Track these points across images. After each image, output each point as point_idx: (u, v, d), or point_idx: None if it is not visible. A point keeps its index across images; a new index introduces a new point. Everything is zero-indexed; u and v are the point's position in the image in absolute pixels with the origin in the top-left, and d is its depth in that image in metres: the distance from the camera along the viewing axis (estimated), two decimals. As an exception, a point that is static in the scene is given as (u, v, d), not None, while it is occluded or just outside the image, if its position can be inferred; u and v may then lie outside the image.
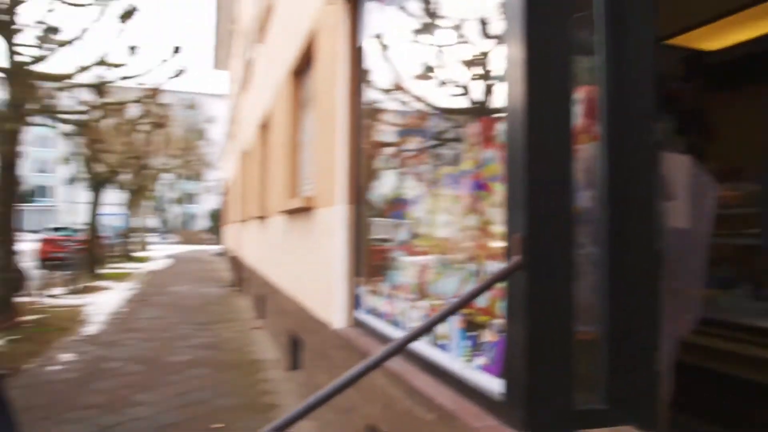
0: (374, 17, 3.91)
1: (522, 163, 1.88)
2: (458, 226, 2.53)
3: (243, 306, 12.15)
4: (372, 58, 3.96)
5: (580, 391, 1.92)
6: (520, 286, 1.88)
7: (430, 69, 3.02)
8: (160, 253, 32.54)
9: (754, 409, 2.77)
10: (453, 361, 2.45)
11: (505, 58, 2.02)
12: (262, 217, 9.57)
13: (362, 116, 4.07)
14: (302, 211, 5.55)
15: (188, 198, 64.04)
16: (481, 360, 2.22)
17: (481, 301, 2.22)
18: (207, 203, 63.93)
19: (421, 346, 2.78)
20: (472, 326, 2.33)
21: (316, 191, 5.14)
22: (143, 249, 35.19)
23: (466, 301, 1.91)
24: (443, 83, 2.88)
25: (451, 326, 2.49)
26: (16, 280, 9.90)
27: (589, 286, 1.98)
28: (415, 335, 1.93)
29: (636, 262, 1.95)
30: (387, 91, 3.72)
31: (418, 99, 3.18)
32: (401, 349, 1.91)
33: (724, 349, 2.98)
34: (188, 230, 59.41)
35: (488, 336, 2.18)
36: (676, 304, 2.27)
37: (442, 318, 1.92)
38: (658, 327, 1.96)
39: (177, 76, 12.22)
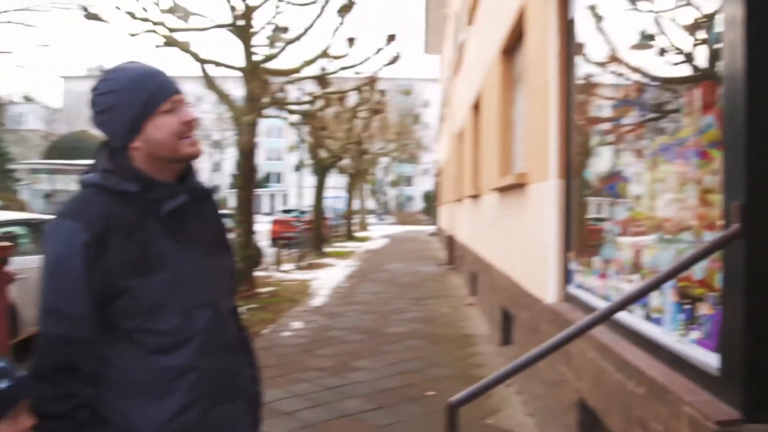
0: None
1: (741, 127, 1.79)
2: (675, 196, 2.44)
3: (456, 283, 12.50)
4: (584, 31, 3.89)
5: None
6: (738, 255, 1.80)
7: (647, 37, 2.91)
8: (378, 234, 34.38)
9: None
10: (666, 334, 2.39)
11: (723, 18, 1.93)
12: (474, 196, 9.76)
13: (574, 90, 4.02)
14: (514, 187, 5.60)
15: (404, 180, 66.71)
16: (695, 334, 2.15)
17: (698, 273, 2.14)
18: (422, 185, 66.08)
19: (634, 320, 2.74)
20: (687, 299, 2.26)
21: (527, 167, 5.17)
22: (363, 229, 37.45)
23: (679, 271, 1.87)
24: (662, 51, 2.77)
25: (666, 299, 2.42)
26: (255, 257, 11.18)
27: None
28: (623, 304, 1.93)
29: None
30: (601, 63, 3.63)
31: (635, 69, 3.08)
32: (607, 318, 1.93)
33: None
34: (404, 211, 61.91)
35: (704, 309, 2.10)
36: None
37: (652, 287, 1.91)
38: None
39: (392, 63, 12.80)
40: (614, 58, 3.38)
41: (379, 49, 12.21)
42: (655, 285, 1.90)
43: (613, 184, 3.21)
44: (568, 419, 3.50)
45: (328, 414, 4.70)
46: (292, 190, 71.64)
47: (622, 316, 2.84)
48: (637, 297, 1.93)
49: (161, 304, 1.51)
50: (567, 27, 4.14)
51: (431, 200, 40.97)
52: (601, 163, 3.54)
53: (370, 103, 19.35)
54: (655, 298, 2.52)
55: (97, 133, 1.58)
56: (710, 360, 2.00)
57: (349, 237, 28.42)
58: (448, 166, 19.10)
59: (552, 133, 4.16)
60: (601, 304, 3.22)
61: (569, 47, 4.11)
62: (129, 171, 1.54)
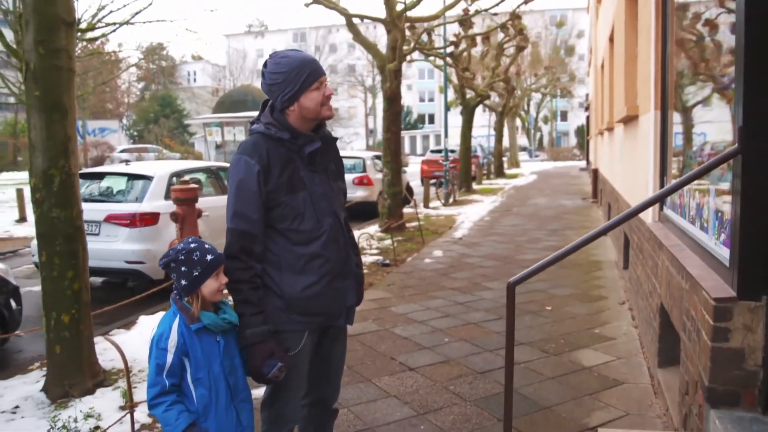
0: None
1: (742, 54, 2.22)
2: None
3: (596, 216, 12.66)
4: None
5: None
6: (738, 170, 2.26)
7: None
8: (528, 170, 34.24)
9: None
10: (709, 239, 2.84)
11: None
12: (609, 129, 9.88)
13: (674, 27, 4.28)
14: (631, 119, 5.90)
15: (558, 115, 64.71)
16: (723, 236, 2.60)
17: (726, 185, 2.59)
18: (576, 120, 63.77)
19: (694, 230, 3.18)
20: (720, 210, 2.70)
21: (639, 100, 5.45)
22: (514, 166, 37.36)
23: (690, 180, 2.36)
24: None
25: (710, 209, 2.86)
26: (402, 194, 12.02)
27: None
28: (658, 198, 2.45)
29: None
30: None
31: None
32: (648, 206, 2.46)
33: None
34: (557, 147, 60.39)
35: (728, 215, 2.55)
36: None
37: (676, 188, 2.40)
38: None
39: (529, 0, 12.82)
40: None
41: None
42: (679, 186, 2.38)
43: (693, 116, 3.57)
44: (654, 323, 3.98)
45: (455, 322, 5.48)
46: (443, 130, 72.06)
47: (687, 227, 3.29)
48: (667, 194, 2.43)
49: (302, 213, 2.36)
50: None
51: (584, 135, 39.85)
52: (694, 96, 3.85)
53: (516, 40, 19.31)
54: (705, 210, 2.96)
55: (260, 90, 2.49)
56: (726, 255, 2.48)
57: (499, 174, 28.66)
58: (596, 99, 18.73)
59: (652, 68, 4.47)
60: (684, 223, 3.64)
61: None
62: (285, 125, 2.37)
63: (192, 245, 2.23)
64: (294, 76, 2.30)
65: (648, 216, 4.60)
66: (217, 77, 62.02)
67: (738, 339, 2.29)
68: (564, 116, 68.52)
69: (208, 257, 2.21)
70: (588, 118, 27.43)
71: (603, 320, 5.37)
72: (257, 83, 31.16)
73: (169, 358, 2.16)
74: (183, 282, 2.19)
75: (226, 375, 2.25)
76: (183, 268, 2.19)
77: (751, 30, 2.20)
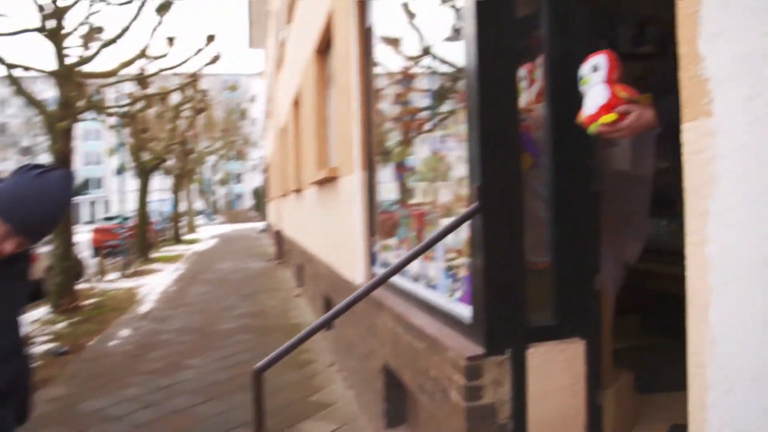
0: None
1: (475, 121, 2.28)
2: (446, 182, 2.93)
3: (285, 276, 12.79)
4: (387, 32, 4.32)
5: (533, 311, 2.33)
6: (478, 227, 2.29)
7: (457, 31, 3.34)
8: (207, 234, 33.65)
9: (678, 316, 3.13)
10: (440, 297, 2.88)
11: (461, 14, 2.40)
12: (298, 190, 10.10)
13: (375, 89, 4.47)
14: (329, 180, 6.01)
15: (233, 178, 65.54)
16: (458, 293, 2.64)
17: (459, 244, 2.64)
18: (252, 182, 65.28)
19: (419, 288, 3.22)
20: (453, 267, 2.75)
21: (338, 161, 5.59)
22: (192, 231, 36.39)
23: (434, 242, 2.33)
24: (445, 48, 3.21)
25: (438, 268, 2.91)
26: (75, 269, 10.61)
27: (539, 223, 2.38)
28: (393, 271, 2.36)
29: (576, 201, 2.33)
30: (400, 61, 4.08)
31: (431, 65, 3.52)
32: (382, 283, 2.35)
33: (658, 272, 3.42)
34: (234, 209, 60.90)
35: (463, 272, 2.59)
36: (623, 233, 2.64)
37: (414, 256, 2.35)
38: (598, 255, 2.35)
39: (213, 63, 12.76)
40: (407, 58, 3.84)
41: (200, 50, 12.12)
42: (418, 253, 2.35)
43: (402, 173, 3.69)
44: (377, 384, 3.95)
45: (159, 412, 4.80)
46: (114, 195, 67.46)
47: (411, 287, 3.33)
48: (403, 265, 2.36)
49: None
50: (366, 32, 4.58)
51: (261, 196, 40.85)
52: (396, 154, 4.01)
53: (193, 102, 19.01)
54: (431, 269, 3.01)
55: None
56: (466, 312, 2.49)
57: (177, 240, 27.56)
58: (274, 162, 19.28)
59: (355, 130, 4.60)
60: (397, 279, 3.70)
61: (369, 51, 4.55)
62: None
63: None
64: None
65: (357, 276, 4.63)
66: None
67: (490, 395, 2.28)
68: (239, 178, 69.63)
69: None
70: (266, 180, 28.17)
71: (317, 386, 5.23)
72: None
73: None
74: None
75: None
76: None
77: (484, 100, 2.28)
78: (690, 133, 1.13)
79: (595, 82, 1.91)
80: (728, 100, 1.04)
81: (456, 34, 2.93)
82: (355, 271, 4.70)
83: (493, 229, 2.27)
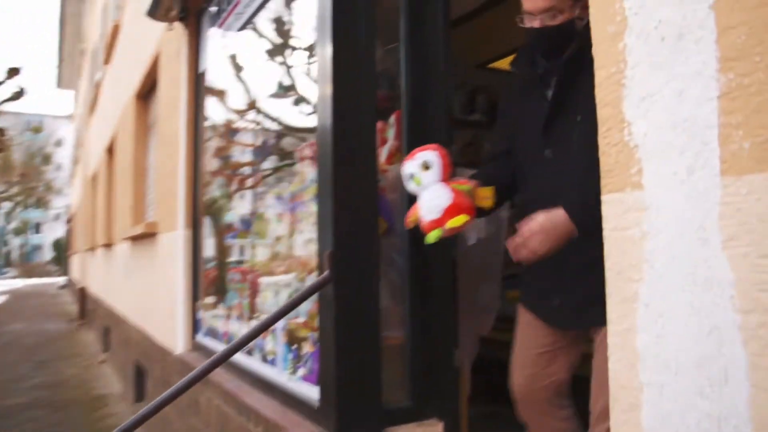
0: (217, 42, 3.96)
1: (329, 182, 2.05)
2: (285, 245, 2.65)
3: (88, 340, 11.49)
4: (215, 83, 4.02)
5: (388, 392, 2.10)
6: (329, 298, 2.03)
7: (285, 88, 3.12)
8: (-3, 289, 29.84)
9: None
10: (279, 374, 2.55)
11: (316, 79, 2.19)
12: (108, 245, 9.18)
13: (204, 141, 4.11)
14: (146, 236, 5.44)
15: (31, 227, 59.33)
16: (301, 371, 2.34)
17: (302, 316, 2.35)
18: (53, 232, 59.44)
19: (253, 363, 2.86)
20: (295, 340, 2.45)
21: (158, 216, 5.07)
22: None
23: (281, 315, 2.03)
24: (298, 101, 3.00)
25: (277, 342, 2.59)
26: None
27: (395, 294, 2.17)
28: (235, 349, 2.02)
29: (434, 271, 2.17)
30: (233, 112, 3.79)
31: (269, 117, 3.27)
32: (221, 362, 1.99)
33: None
34: (30, 263, 54.92)
35: (308, 347, 2.31)
36: (477, 304, 2.54)
37: (258, 332, 2.03)
38: (456, 328, 2.19)
39: (15, 99, 11.48)
40: (241, 109, 3.56)
41: (0, 83, 10.85)
42: (262, 328, 2.03)
43: (236, 232, 3.35)
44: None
45: None
46: None
47: (243, 360, 2.96)
48: (247, 341, 2.03)
49: None
50: (198, 78, 4.23)
51: (63, 249, 37.23)
52: (226, 210, 3.66)
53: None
54: (269, 342, 2.68)
55: None
56: (313, 394, 2.20)
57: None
58: (81, 212, 17.62)
59: (180, 183, 4.17)
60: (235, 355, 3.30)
61: (200, 98, 4.20)
62: None
63: None
64: None
65: (178, 344, 4.13)
66: None
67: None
68: (38, 228, 63.16)
69: None
70: (69, 231, 25.74)
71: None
72: None
73: None
74: None
75: None
76: None
77: (338, 160, 2.06)
78: (612, 207, 0.99)
79: (430, 181, 1.70)
80: (663, 170, 0.91)
81: (284, 90, 2.75)
82: (175, 338, 4.19)
83: (346, 301, 2.03)
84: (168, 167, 4.65)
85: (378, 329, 2.06)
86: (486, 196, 1.77)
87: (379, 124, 2.53)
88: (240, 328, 3.15)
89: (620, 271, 0.97)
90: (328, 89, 2.08)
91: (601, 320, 1.53)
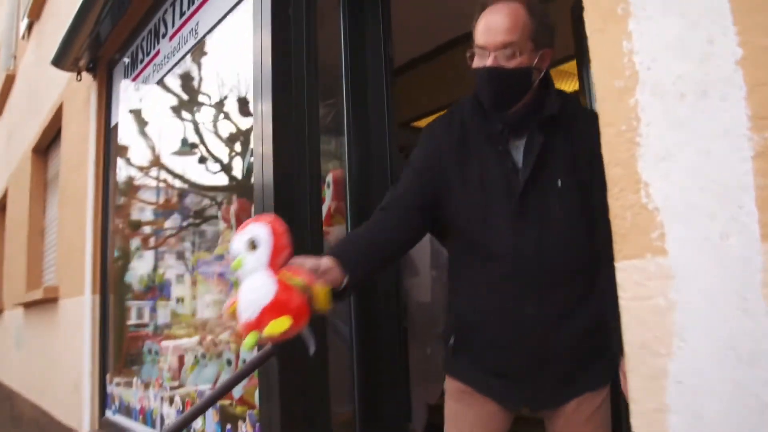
0: (130, 95, 3.76)
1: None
2: (213, 312, 2.45)
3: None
4: (126, 136, 3.79)
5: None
6: (272, 373, 1.85)
7: (190, 145, 2.95)
8: None
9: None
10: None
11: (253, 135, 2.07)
12: (-5, 312, 8.41)
13: (114, 197, 3.84)
14: (45, 302, 4.97)
15: None
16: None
17: (237, 392, 2.15)
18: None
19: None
20: (229, 418, 2.23)
21: (60, 280, 4.67)
22: None
23: (223, 393, 1.81)
24: (203, 159, 2.84)
25: (208, 421, 2.35)
26: None
27: (343, 366, 2.02)
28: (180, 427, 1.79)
29: (383, 337, 2.03)
30: (143, 169, 3.57)
31: (177, 176, 3.09)
32: None
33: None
34: None
35: (246, 428, 2.10)
36: (426, 371, 2.41)
37: (197, 414, 1.80)
38: (409, 399, 2.05)
39: None
40: (156, 164, 3.36)
41: None
42: (200, 411, 1.81)
43: (154, 297, 3.10)
44: None
45: None
46: None
47: (165, 440, 2.68)
48: (182, 426, 1.81)
49: None
50: (108, 132, 3.98)
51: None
52: (142, 272, 3.40)
53: None
54: (198, 420, 2.43)
55: None
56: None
57: None
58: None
59: (88, 243, 3.85)
60: (142, 430, 3.00)
61: (110, 152, 3.94)
62: None
63: None
64: None
65: (84, 422, 3.73)
66: None
67: None
68: None
69: None
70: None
71: None
72: None
73: None
74: None
75: None
76: None
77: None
78: (630, 274, 0.91)
79: (253, 266, 1.21)
80: (691, 235, 0.84)
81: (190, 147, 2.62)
82: (80, 415, 3.79)
83: (291, 375, 1.86)
84: (72, 227, 4.30)
85: (327, 403, 1.90)
86: (321, 298, 1.25)
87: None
88: (159, 404, 2.86)
89: (643, 344, 0.89)
90: (269, 147, 1.95)
91: (587, 387, 1.33)
